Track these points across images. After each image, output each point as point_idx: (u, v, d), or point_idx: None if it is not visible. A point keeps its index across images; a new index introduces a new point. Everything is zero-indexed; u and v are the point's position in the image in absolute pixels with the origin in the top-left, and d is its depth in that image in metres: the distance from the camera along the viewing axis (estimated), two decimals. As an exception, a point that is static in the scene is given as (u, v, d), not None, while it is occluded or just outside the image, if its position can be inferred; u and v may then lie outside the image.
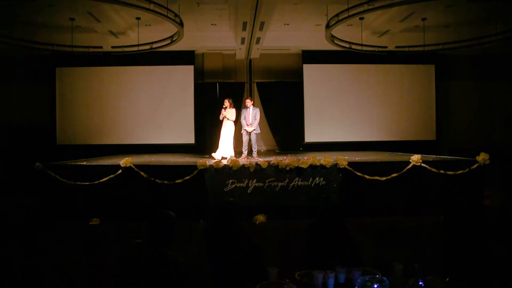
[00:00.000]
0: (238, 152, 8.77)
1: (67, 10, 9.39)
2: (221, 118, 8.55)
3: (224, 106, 8.49)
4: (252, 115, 8.50)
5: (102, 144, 11.79)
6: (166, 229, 2.53)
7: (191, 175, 6.86)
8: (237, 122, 8.85)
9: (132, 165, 6.91)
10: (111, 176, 6.88)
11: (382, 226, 6.31)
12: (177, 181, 6.82)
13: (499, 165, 8.17)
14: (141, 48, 9.93)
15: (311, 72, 12.40)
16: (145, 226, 2.51)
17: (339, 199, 6.78)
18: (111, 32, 10.76)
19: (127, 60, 11.29)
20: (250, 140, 8.56)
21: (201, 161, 7.00)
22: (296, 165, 6.87)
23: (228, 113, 8.45)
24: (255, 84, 12.90)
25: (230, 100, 8.56)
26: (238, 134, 8.85)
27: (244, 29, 9.91)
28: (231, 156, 8.01)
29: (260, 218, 6.62)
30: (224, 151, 8.38)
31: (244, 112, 8.62)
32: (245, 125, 8.51)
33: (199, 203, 6.78)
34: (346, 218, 3.23)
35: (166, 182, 6.82)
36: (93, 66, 11.96)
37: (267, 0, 7.90)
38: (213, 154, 8.49)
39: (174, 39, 9.41)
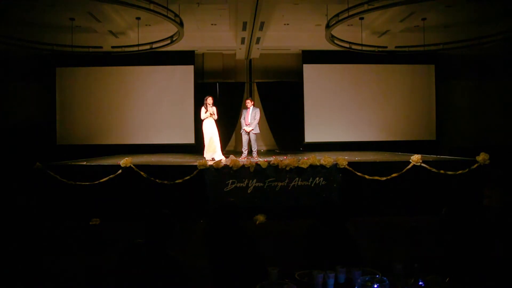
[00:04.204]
0: (238, 152, 8.75)
1: (67, 10, 9.39)
2: (205, 116, 8.22)
3: (206, 103, 8.22)
4: (251, 115, 8.50)
5: (102, 144, 11.79)
6: (164, 228, 2.53)
7: (191, 175, 6.86)
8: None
9: (132, 165, 6.91)
10: (111, 176, 6.89)
11: (382, 226, 6.31)
12: (177, 181, 6.82)
13: (499, 165, 8.17)
14: (141, 48, 9.92)
15: (311, 72, 12.40)
16: (144, 226, 2.51)
17: (339, 199, 6.78)
18: (111, 32, 10.76)
19: (127, 60, 11.29)
20: (249, 140, 8.56)
21: (201, 161, 7.00)
22: (296, 165, 6.87)
23: (214, 110, 8.25)
24: (255, 84, 12.90)
25: (213, 98, 8.38)
26: (238, 134, 8.83)
27: (244, 29, 9.92)
28: (223, 158, 7.92)
29: (260, 218, 6.62)
30: (212, 152, 8.14)
31: (244, 112, 8.62)
32: (244, 124, 8.51)
33: (199, 203, 6.78)
34: (346, 218, 3.23)
35: (166, 182, 6.82)
36: (93, 66, 11.97)
37: (267, 0, 7.90)
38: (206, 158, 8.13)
39: (174, 39, 9.41)
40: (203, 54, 12.71)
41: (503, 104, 12.14)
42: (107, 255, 4.69)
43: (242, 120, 8.59)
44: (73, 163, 7.53)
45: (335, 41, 9.77)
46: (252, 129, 8.45)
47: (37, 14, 9.68)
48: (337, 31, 9.26)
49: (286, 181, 6.90)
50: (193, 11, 9.73)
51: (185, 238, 5.34)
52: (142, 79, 12.19)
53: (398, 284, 2.33)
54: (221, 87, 12.57)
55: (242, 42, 11.11)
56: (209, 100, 8.27)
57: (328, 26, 8.69)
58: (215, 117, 8.30)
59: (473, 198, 6.98)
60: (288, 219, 6.61)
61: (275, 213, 6.77)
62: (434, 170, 6.99)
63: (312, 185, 6.91)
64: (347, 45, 9.94)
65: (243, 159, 7.70)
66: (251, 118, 8.48)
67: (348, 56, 11.87)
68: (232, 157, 7.29)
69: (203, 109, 8.29)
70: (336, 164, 6.95)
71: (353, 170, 6.95)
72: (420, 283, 2.30)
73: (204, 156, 8.19)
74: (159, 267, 2.37)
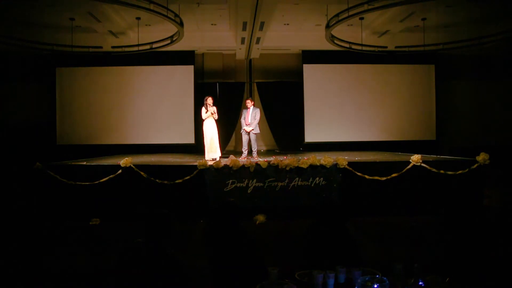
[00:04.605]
0: (238, 152, 8.73)
1: (67, 10, 9.39)
2: (206, 116, 8.18)
3: (206, 104, 8.18)
4: (251, 115, 8.49)
5: (102, 144, 11.79)
6: (163, 228, 2.53)
7: (191, 175, 6.86)
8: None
9: (132, 165, 6.90)
10: (111, 176, 6.88)
11: (382, 226, 6.31)
12: (177, 181, 6.82)
13: (499, 165, 8.17)
14: (141, 48, 9.92)
15: (311, 72, 12.41)
16: (143, 226, 2.52)
17: (339, 199, 6.79)
18: (111, 32, 10.76)
19: (127, 60, 11.30)
20: (249, 140, 8.56)
21: (201, 161, 7.00)
22: (296, 165, 6.87)
23: (214, 110, 8.23)
24: (255, 84, 12.90)
25: (212, 98, 8.38)
26: (238, 134, 8.81)
27: (244, 29, 9.91)
28: (219, 157, 7.95)
29: (260, 218, 6.62)
30: (213, 152, 8.13)
31: (244, 112, 8.61)
32: (244, 124, 8.51)
33: (199, 203, 6.78)
34: (346, 218, 3.23)
35: (166, 182, 6.82)
36: (93, 66, 11.97)
37: (267, 0, 7.90)
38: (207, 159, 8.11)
39: (174, 39, 9.42)
40: (203, 54, 12.71)
41: (503, 104, 12.14)
42: (107, 255, 4.69)
43: (242, 120, 8.58)
44: (73, 163, 7.53)
45: (335, 41, 9.77)
46: (253, 129, 8.45)
47: (37, 14, 9.68)
48: (337, 31, 9.26)
49: (286, 181, 6.90)
50: (193, 11, 9.73)
51: (185, 238, 5.34)
52: (142, 79, 12.19)
53: (398, 284, 2.33)
54: (221, 87, 12.57)
55: (242, 42, 11.10)
56: (209, 100, 8.26)
57: (328, 26, 8.69)
58: (216, 116, 8.29)
59: (473, 198, 6.97)
60: (288, 219, 6.61)
61: (275, 213, 6.76)
62: (434, 170, 6.98)
63: (312, 185, 6.91)
64: (347, 45, 9.94)
65: (243, 159, 7.70)
66: (251, 118, 8.48)
67: (348, 56, 11.87)
68: (232, 157, 7.29)
69: (203, 109, 8.27)
70: (336, 164, 6.95)
71: (353, 170, 6.95)
72: (420, 283, 2.30)
73: (206, 157, 8.18)
74: (158, 266, 2.37)
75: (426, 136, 12.50)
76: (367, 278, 2.30)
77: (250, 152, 8.64)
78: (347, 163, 6.94)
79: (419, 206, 6.88)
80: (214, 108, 8.26)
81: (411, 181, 7.01)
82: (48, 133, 11.88)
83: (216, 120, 8.31)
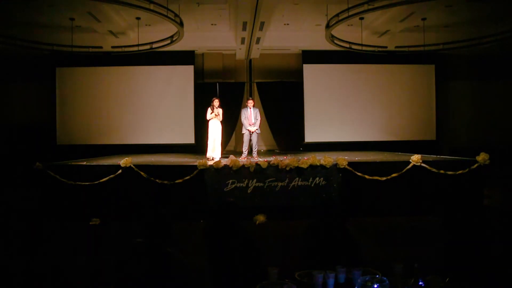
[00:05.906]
0: (238, 152, 8.73)
1: (67, 10, 9.38)
2: (210, 117, 8.34)
3: (213, 105, 8.32)
4: (253, 115, 8.50)
5: (102, 144, 11.79)
6: (162, 227, 2.54)
7: (191, 175, 6.86)
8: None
9: (132, 165, 6.91)
10: (111, 176, 6.88)
11: (382, 226, 6.31)
12: (177, 181, 6.82)
13: (499, 165, 8.17)
14: (141, 48, 9.92)
15: (311, 72, 12.40)
16: (142, 226, 2.52)
17: (339, 199, 6.78)
18: (111, 32, 10.75)
19: (127, 60, 11.29)
20: (251, 140, 8.55)
21: (201, 161, 7.00)
22: (296, 165, 6.87)
23: (219, 112, 8.35)
24: (255, 84, 12.90)
25: (219, 100, 8.51)
26: (238, 134, 8.81)
27: (244, 29, 9.91)
28: (219, 158, 7.99)
29: (260, 218, 6.62)
30: (215, 152, 8.25)
31: (245, 112, 8.58)
32: (248, 125, 8.47)
33: (199, 203, 6.78)
34: (346, 218, 3.23)
35: (166, 182, 6.82)
36: (93, 66, 11.97)
37: (267, 0, 7.90)
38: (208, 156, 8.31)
39: (174, 39, 9.41)
40: (203, 54, 12.70)
41: (503, 104, 12.15)
42: (107, 255, 4.68)
43: (245, 120, 8.53)
44: (73, 163, 7.53)
45: (335, 41, 9.77)
46: (257, 129, 8.47)
47: (37, 14, 9.67)
48: (337, 31, 9.25)
49: (286, 181, 6.90)
50: (193, 11, 9.72)
51: (185, 238, 5.33)
52: (142, 79, 12.19)
53: (398, 284, 2.33)
54: (221, 87, 12.56)
55: (242, 42, 11.10)
56: (215, 102, 8.37)
57: (328, 26, 8.69)
58: (220, 118, 8.37)
59: (473, 198, 6.98)
60: (288, 219, 6.61)
61: (275, 213, 6.77)
62: (434, 170, 6.98)
63: (312, 185, 6.91)
64: (347, 45, 9.94)
65: (243, 159, 7.70)
66: (254, 118, 8.49)
67: (348, 56, 11.87)
68: (232, 157, 7.29)
69: (209, 110, 8.37)
70: (336, 164, 6.95)
71: (353, 170, 6.95)
72: (420, 283, 2.30)
73: (207, 156, 8.24)
74: (158, 266, 2.37)
75: (426, 136, 12.50)
76: (367, 278, 2.30)
77: (250, 152, 8.63)
78: (347, 163, 6.94)
79: (419, 206, 6.88)
80: (220, 110, 8.32)
81: (411, 181, 7.01)
82: (48, 133, 11.87)
83: (221, 122, 8.40)
